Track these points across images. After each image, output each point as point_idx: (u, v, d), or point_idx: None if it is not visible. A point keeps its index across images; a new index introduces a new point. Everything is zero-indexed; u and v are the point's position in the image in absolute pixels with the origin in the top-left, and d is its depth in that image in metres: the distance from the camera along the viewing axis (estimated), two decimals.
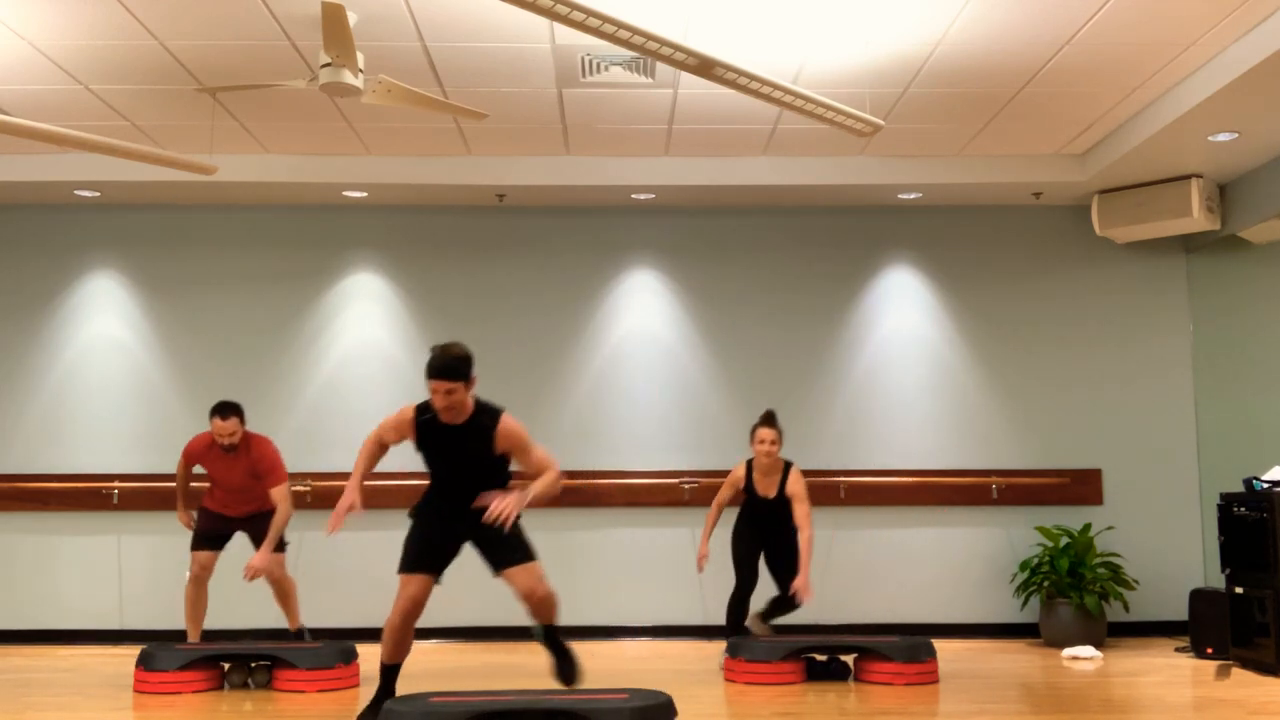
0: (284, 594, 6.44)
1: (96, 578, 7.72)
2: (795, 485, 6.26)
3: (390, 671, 4.93)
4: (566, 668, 4.90)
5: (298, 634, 6.56)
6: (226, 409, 6.16)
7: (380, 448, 4.92)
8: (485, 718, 4.04)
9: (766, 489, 6.34)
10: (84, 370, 7.89)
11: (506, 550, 4.75)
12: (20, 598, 7.69)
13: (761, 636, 6.31)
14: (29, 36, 5.59)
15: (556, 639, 4.89)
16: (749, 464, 6.41)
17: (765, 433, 6.27)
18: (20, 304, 7.95)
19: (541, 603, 4.75)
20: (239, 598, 7.61)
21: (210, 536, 6.34)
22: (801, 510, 6.20)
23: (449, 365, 4.51)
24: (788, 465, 6.34)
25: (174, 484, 7.72)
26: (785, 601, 6.39)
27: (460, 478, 4.81)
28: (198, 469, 6.43)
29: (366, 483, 7.83)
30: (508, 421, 4.70)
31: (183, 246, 8.03)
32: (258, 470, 6.23)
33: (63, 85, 6.23)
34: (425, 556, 4.82)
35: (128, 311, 7.96)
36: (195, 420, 7.83)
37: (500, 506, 4.48)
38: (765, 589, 6.46)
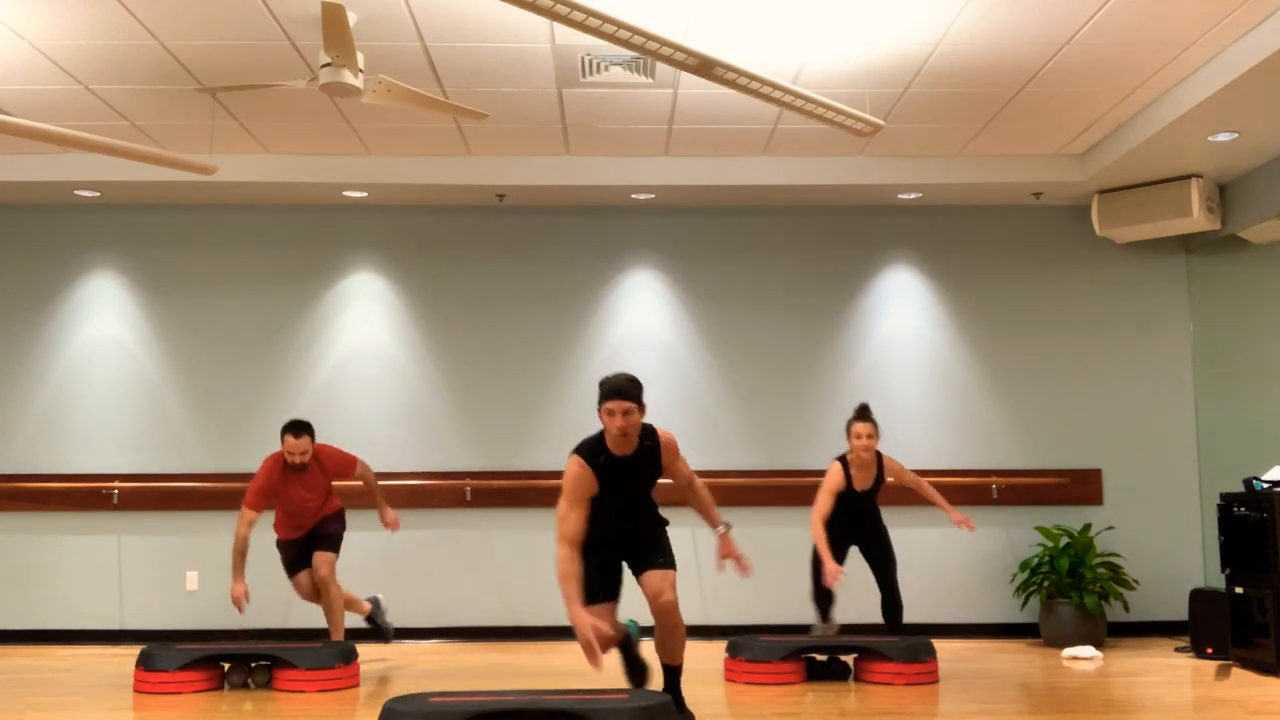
0: (332, 602, 6.41)
1: (96, 578, 7.72)
2: (893, 464, 6.36)
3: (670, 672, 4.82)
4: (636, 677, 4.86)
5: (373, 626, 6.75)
6: (300, 427, 6.24)
7: (575, 535, 4.50)
8: (485, 718, 4.04)
9: (864, 482, 6.27)
10: (84, 370, 7.89)
11: (652, 552, 4.70)
12: (20, 598, 7.69)
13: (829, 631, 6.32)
14: (29, 36, 5.59)
15: (674, 680, 4.78)
16: (843, 462, 6.24)
17: (861, 427, 6.18)
18: (20, 304, 7.95)
19: (664, 608, 4.61)
20: None
21: (297, 560, 6.47)
22: (909, 476, 6.40)
23: (627, 386, 4.46)
24: (879, 454, 6.34)
25: (175, 484, 7.74)
26: (893, 601, 6.29)
27: (629, 508, 4.72)
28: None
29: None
30: (664, 434, 4.68)
31: (183, 246, 8.03)
32: (330, 472, 6.38)
33: (63, 85, 6.23)
34: (604, 590, 4.68)
35: (128, 311, 7.96)
36: (195, 420, 7.84)
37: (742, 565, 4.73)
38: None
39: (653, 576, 4.63)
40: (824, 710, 5.10)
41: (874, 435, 6.21)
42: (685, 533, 7.83)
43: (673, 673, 4.82)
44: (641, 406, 4.47)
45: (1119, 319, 8.05)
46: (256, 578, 7.43)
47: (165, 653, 5.64)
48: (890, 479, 6.37)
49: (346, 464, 6.46)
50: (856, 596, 7.82)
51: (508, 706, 4.09)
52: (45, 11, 5.31)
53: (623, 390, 4.42)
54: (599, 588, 4.65)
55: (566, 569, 4.39)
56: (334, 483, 6.49)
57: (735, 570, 4.78)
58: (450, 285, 8.04)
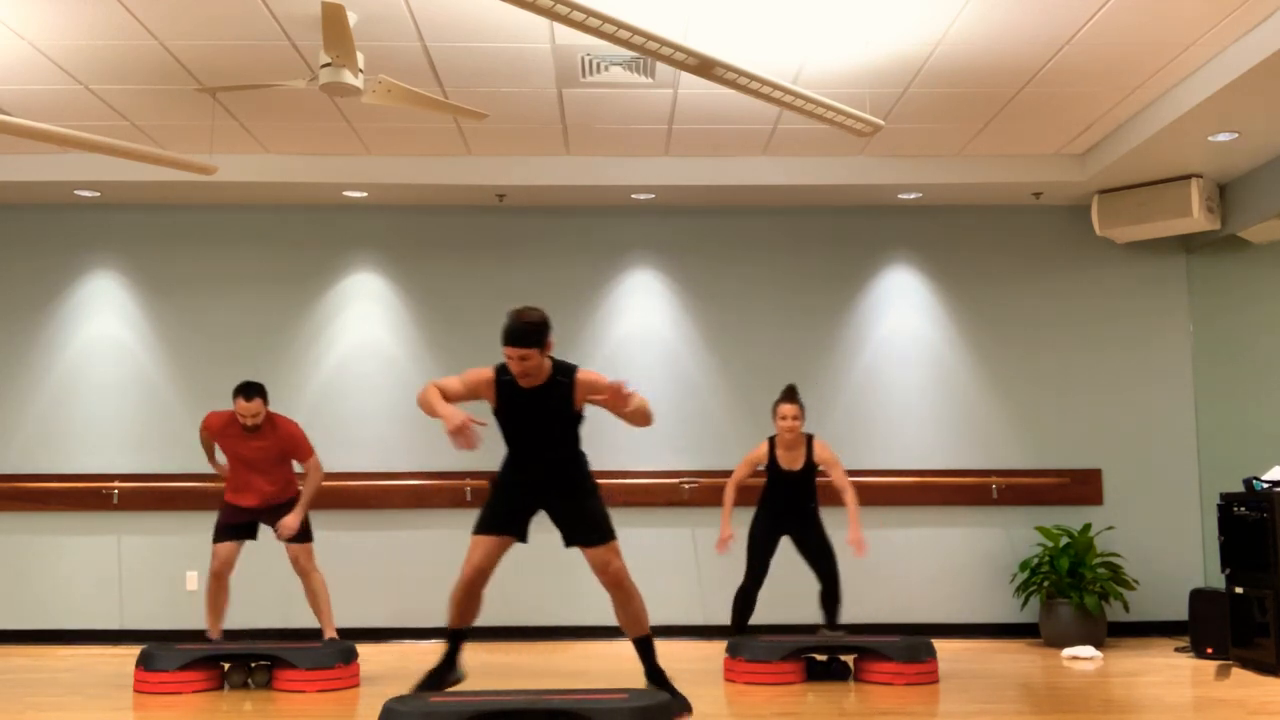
0: (314, 594, 6.32)
1: (96, 578, 7.72)
2: (825, 451, 6.32)
3: (455, 637, 4.88)
4: (655, 681, 4.88)
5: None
6: (251, 389, 6.09)
7: (444, 394, 4.67)
8: (485, 718, 4.04)
9: (791, 462, 6.32)
10: (84, 370, 7.89)
11: (587, 531, 4.75)
12: (20, 598, 7.69)
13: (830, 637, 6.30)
14: (29, 36, 5.59)
15: (649, 653, 4.85)
16: (771, 441, 6.38)
17: (788, 408, 6.26)
18: (20, 304, 7.95)
19: (614, 579, 4.71)
20: (240, 598, 7.61)
21: (231, 528, 6.23)
22: (838, 473, 6.27)
23: (522, 331, 4.50)
24: (809, 437, 6.37)
25: (175, 484, 7.76)
26: (831, 593, 6.34)
27: (539, 440, 4.77)
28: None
29: (370, 483, 7.84)
30: (584, 374, 4.69)
31: (183, 246, 8.03)
32: (285, 449, 6.21)
33: (63, 85, 6.23)
34: (497, 518, 4.77)
35: (128, 311, 7.96)
36: (195, 420, 7.82)
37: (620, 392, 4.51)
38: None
39: (595, 553, 4.72)
40: (824, 710, 5.10)
41: (799, 416, 6.25)
42: (685, 533, 7.83)
43: (644, 645, 4.86)
44: (543, 348, 4.52)
45: (1119, 319, 8.05)
46: (254, 578, 7.46)
47: (165, 653, 5.64)
48: (820, 467, 6.31)
49: (302, 443, 6.22)
50: (857, 596, 7.82)
51: (508, 706, 4.09)
52: (45, 11, 5.31)
53: (517, 336, 4.48)
54: (497, 519, 4.72)
55: (429, 394, 4.57)
56: (286, 472, 6.30)
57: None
58: (450, 285, 8.04)
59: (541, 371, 4.63)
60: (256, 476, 6.23)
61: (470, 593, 4.77)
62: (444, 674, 4.87)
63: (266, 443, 6.18)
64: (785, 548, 6.47)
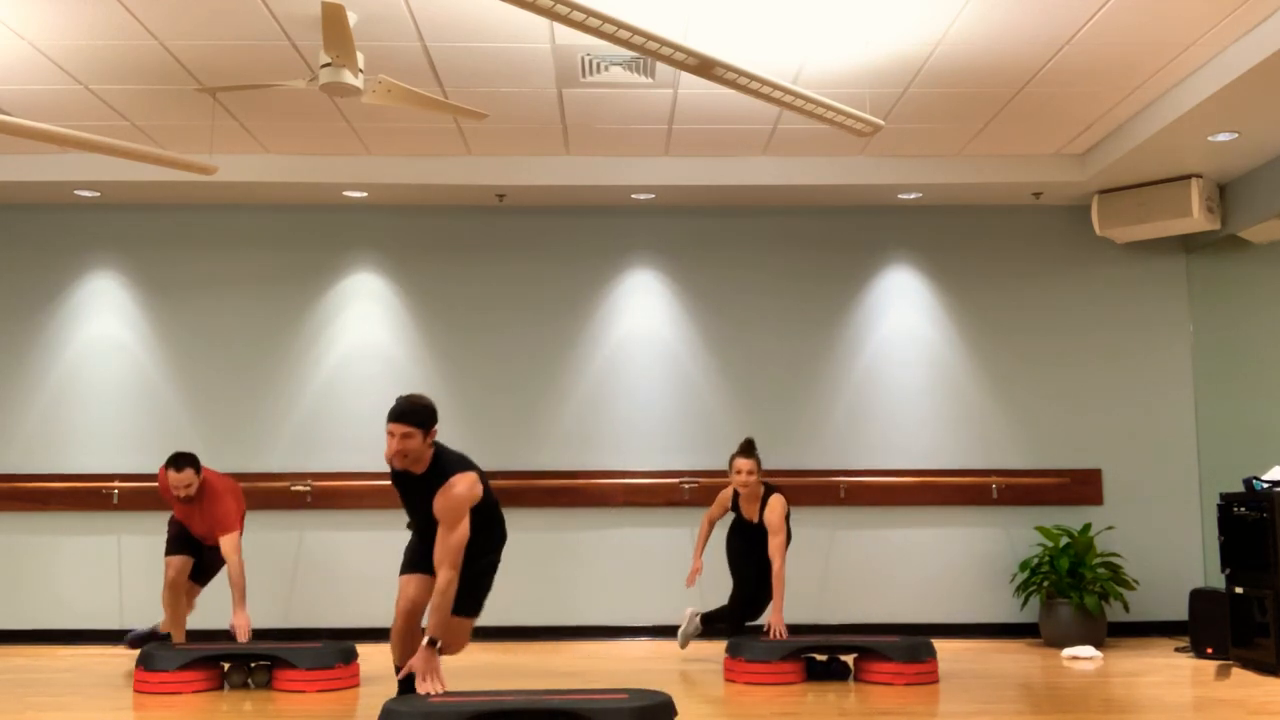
0: (233, 579, 6.18)
1: (96, 578, 7.72)
2: (771, 515, 6.27)
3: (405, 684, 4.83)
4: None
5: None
6: (180, 460, 6.09)
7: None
8: (485, 718, 4.04)
9: (750, 514, 6.46)
10: (84, 370, 7.89)
11: (460, 597, 4.67)
12: (20, 598, 7.69)
13: (688, 631, 6.47)
14: (29, 36, 5.59)
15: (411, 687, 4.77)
16: (735, 495, 6.54)
17: (742, 463, 6.32)
18: (20, 304, 7.95)
19: (449, 647, 4.71)
20: None
21: (181, 540, 6.36)
22: (775, 543, 6.19)
23: (406, 410, 4.57)
24: (769, 492, 6.38)
25: None
26: (738, 618, 6.42)
27: (418, 524, 4.85)
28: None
29: (370, 483, 7.86)
30: (452, 486, 4.58)
31: (183, 246, 8.03)
32: (210, 520, 6.20)
33: (63, 85, 6.23)
34: (418, 558, 4.84)
35: (128, 311, 7.96)
36: (195, 420, 7.84)
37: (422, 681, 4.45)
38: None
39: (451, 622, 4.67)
40: (824, 710, 5.10)
41: (754, 471, 6.28)
42: (685, 533, 7.83)
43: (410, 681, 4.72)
44: (426, 433, 4.57)
45: (1119, 319, 8.05)
46: (252, 578, 7.46)
47: (165, 653, 5.64)
48: (765, 524, 6.29)
49: (222, 522, 6.11)
50: (857, 596, 7.83)
51: (508, 706, 4.09)
52: (45, 11, 5.31)
53: (402, 414, 4.55)
54: (418, 559, 4.78)
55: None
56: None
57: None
58: (450, 285, 8.04)
59: (422, 459, 4.64)
60: (197, 529, 6.33)
61: (409, 630, 4.78)
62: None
63: (201, 511, 6.25)
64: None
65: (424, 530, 4.79)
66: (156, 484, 6.46)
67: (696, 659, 6.78)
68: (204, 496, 6.21)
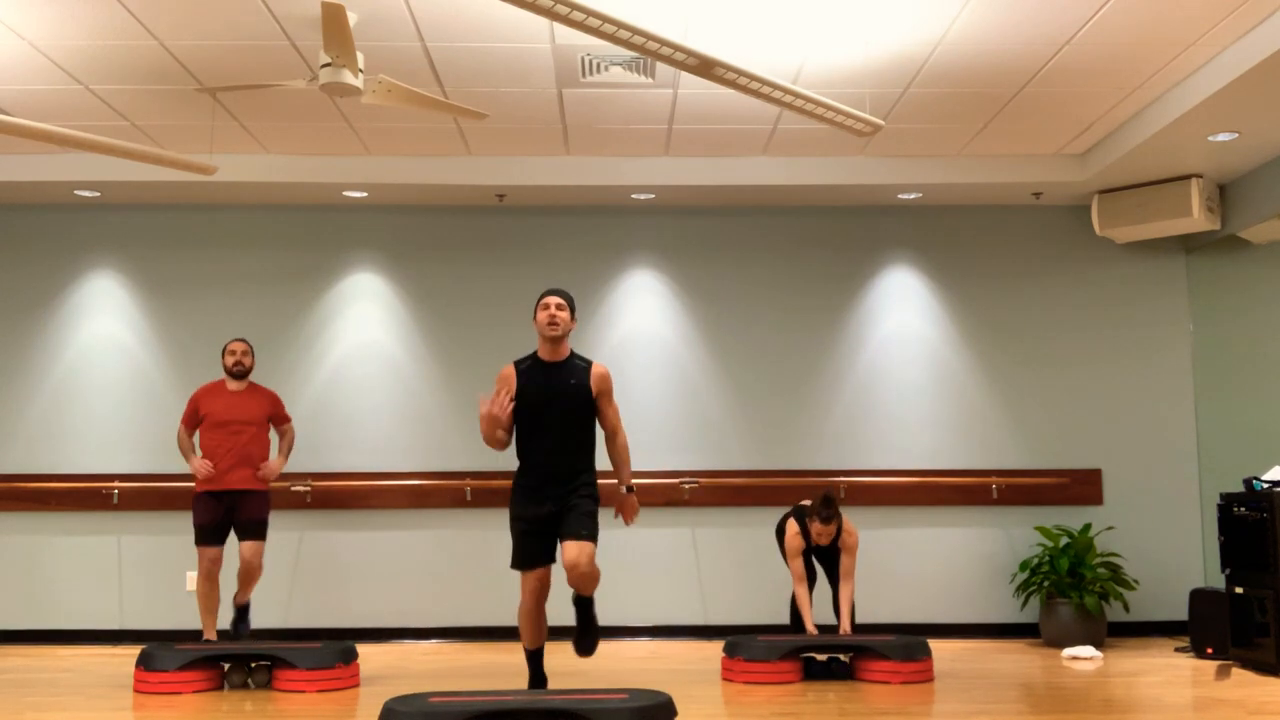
0: (249, 577, 6.34)
1: (96, 578, 7.72)
2: (850, 538, 6.28)
3: (534, 657, 5.10)
4: (587, 641, 5.04)
5: (239, 614, 6.42)
6: (240, 339, 6.50)
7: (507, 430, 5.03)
8: (485, 718, 4.04)
9: (822, 540, 6.28)
10: (84, 370, 7.90)
11: (575, 524, 4.90)
12: (20, 598, 7.69)
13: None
14: (29, 36, 5.59)
15: (589, 611, 5.02)
16: (802, 525, 6.32)
17: (822, 529, 6.17)
18: (20, 304, 7.95)
19: (582, 577, 4.86)
20: None
21: (211, 529, 6.28)
22: (849, 563, 6.29)
23: (562, 291, 5.04)
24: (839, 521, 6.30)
25: (175, 484, 7.76)
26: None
27: (558, 432, 4.94)
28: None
29: (370, 483, 7.86)
30: (600, 365, 5.09)
31: (183, 246, 8.03)
32: (267, 409, 6.43)
33: (63, 85, 6.24)
34: (534, 553, 4.94)
35: (128, 311, 7.96)
36: None
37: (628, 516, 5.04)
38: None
39: (571, 547, 4.85)
40: (823, 710, 5.10)
41: (834, 534, 6.22)
42: (685, 533, 7.83)
43: (585, 603, 5.00)
44: (573, 314, 5.02)
45: (1119, 319, 8.06)
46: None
47: (165, 653, 5.64)
48: (843, 546, 6.30)
49: (282, 406, 6.56)
50: (857, 596, 7.83)
51: (508, 706, 4.09)
52: (45, 11, 5.31)
53: (559, 290, 5.04)
54: (534, 554, 4.92)
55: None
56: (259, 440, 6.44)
57: (621, 518, 5.11)
58: (450, 285, 8.04)
59: (567, 335, 5.00)
60: (232, 444, 6.27)
61: (538, 612, 5.00)
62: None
63: (251, 401, 6.38)
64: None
65: (552, 434, 4.93)
66: (182, 426, 6.41)
67: (696, 659, 6.79)
68: (256, 388, 6.49)
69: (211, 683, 5.74)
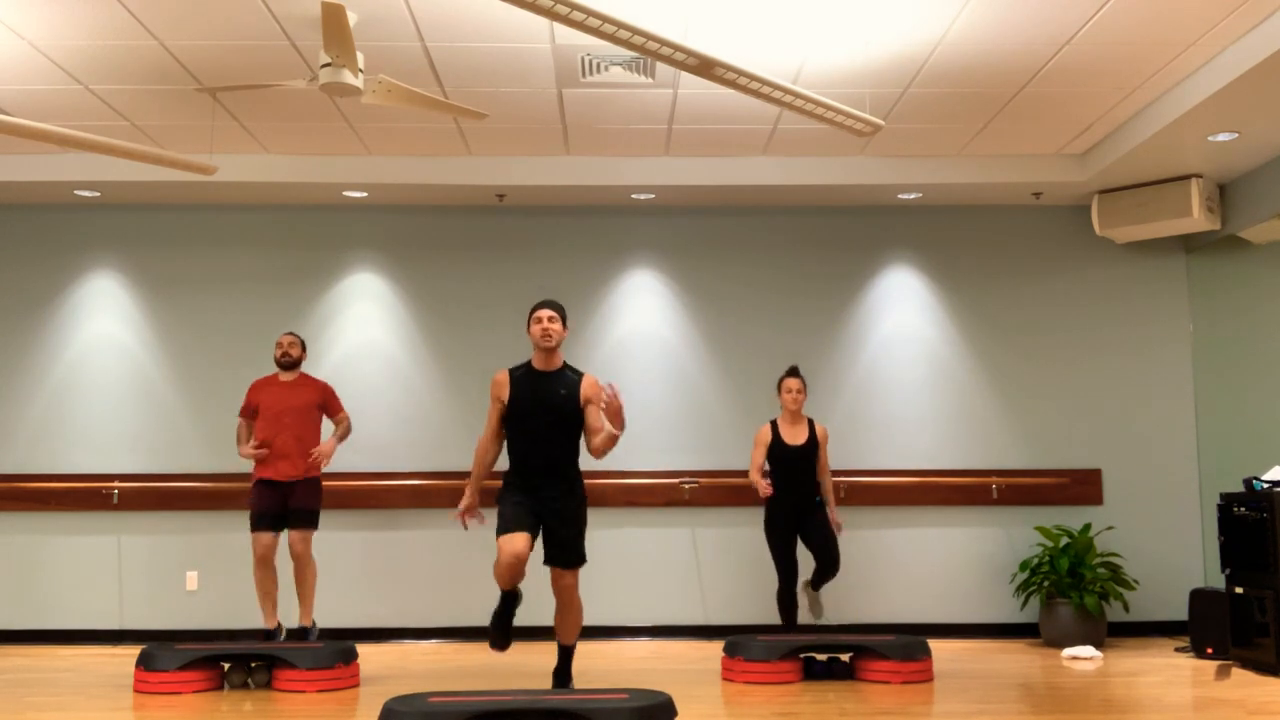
0: (306, 580, 6.44)
1: (96, 578, 7.72)
2: (823, 431, 6.76)
3: (507, 596, 5.16)
4: (562, 679, 5.30)
5: (301, 633, 6.50)
6: (289, 331, 6.77)
7: (496, 432, 5.28)
8: (485, 718, 4.04)
9: (795, 437, 6.64)
10: (84, 370, 7.90)
11: (564, 550, 5.11)
12: (20, 598, 7.69)
13: (813, 603, 6.78)
14: (29, 36, 5.59)
15: (567, 663, 5.29)
16: (773, 423, 6.71)
17: (792, 382, 6.67)
18: (20, 304, 7.95)
19: (564, 588, 5.11)
20: (239, 597, 7.62)
21: (267, 516, 6.39)
22: (825, 458, 6.74)
23: (555, 303, 5.24)
24: (808, 418, 6.76)
25: (175, 484, 7.76)
26: (828, 568, 6.62)
27: (546, 436, 5.11)
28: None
29: (370, 483, 7.86)
30: (590, 375, 5.25)
31: (183, 246, 8.03)
32: (320, 399, 6.57)
33: (63, 85, 6.24)
34: (519, 518, 5.04)
35: (128, 311, 7.96)
36: (195, 420, 7.85)
37: (610, 397, 4.86)
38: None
39: (560, 575, 5.13)
40: (823, 710, 5.10)
41: (803, 391, 6.68)
42: (685, 533, 7.83)
43: (566, 653, 5.28)
44: (564, 324, 5.21)
45: (1119, 319, 8.06)
46: (250, 578, 7.44)
47: (165, 653, 5.64)
48: (820, 439, 6.71)
49: (334, 397, 6.67)
50: (857, 596, 7.83)
51: (508, 706, 4.09)
52: (45, 11, 5.31)
53: (551, 302, 5.24)
54: (520, 519, 5.05)
55: (478, 454, 5.31)
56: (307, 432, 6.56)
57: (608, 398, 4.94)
58: (450, 285, 8.04)
59: (559, 346, 5.18)
60: (287, 433, 6.41)
61: (515, 572, 5.02)
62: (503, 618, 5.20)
63: (302, 391, 6.52)
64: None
65: (541, 439, 5.11)
66: (242, 414, 6.59)
67: (696, 659, 6.79)
68: (308, 378, 6.62)
69: (211, 683, 5.74)
